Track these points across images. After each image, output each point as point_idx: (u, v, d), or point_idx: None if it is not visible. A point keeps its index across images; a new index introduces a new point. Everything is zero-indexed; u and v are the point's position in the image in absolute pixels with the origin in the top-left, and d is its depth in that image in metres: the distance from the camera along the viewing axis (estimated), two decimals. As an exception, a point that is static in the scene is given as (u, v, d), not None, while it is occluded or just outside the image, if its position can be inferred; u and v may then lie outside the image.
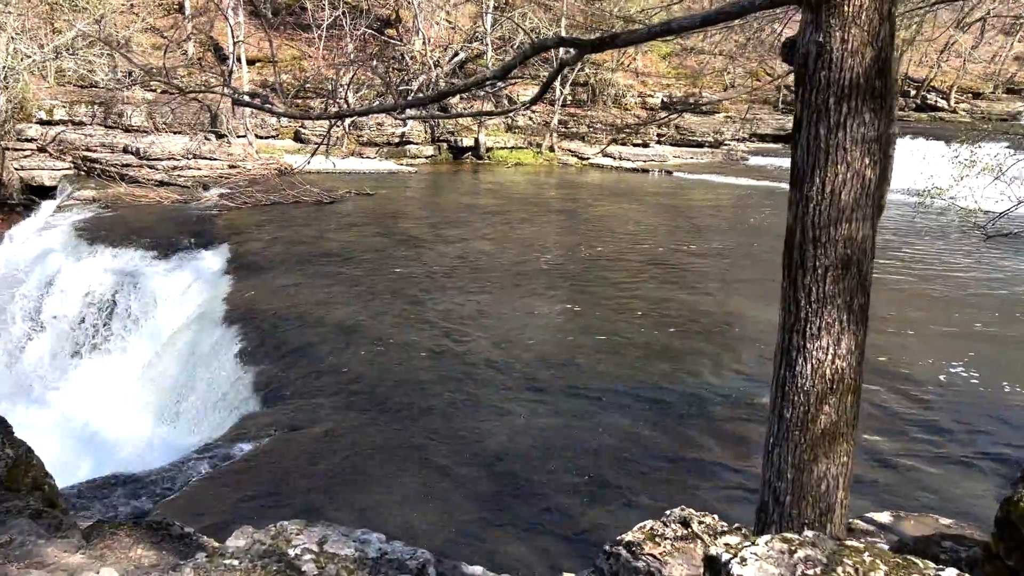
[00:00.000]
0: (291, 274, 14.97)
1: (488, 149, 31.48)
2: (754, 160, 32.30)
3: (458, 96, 32.62)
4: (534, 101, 4.57)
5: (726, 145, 34.00)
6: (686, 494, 7.30)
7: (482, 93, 32.09)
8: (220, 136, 25.40)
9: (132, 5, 25.64)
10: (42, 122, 24.26)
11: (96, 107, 25.03)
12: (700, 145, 34.02)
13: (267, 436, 8.53)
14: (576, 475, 7.86)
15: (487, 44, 31.15)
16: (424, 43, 30.78)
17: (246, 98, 7.55)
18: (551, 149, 32.49)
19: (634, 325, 12.48)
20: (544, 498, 7.43)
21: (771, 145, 34.31)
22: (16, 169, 23.17)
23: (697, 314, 13.14)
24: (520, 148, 32.15)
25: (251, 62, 27.58)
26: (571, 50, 4.06)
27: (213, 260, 15.94)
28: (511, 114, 31.24)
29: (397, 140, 30.57)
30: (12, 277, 16.63)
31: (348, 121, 28.70)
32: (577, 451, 8.32)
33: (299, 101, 28.12)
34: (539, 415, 9.17)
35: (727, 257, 17.30)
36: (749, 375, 10.44)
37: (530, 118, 32.28)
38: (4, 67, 20.80)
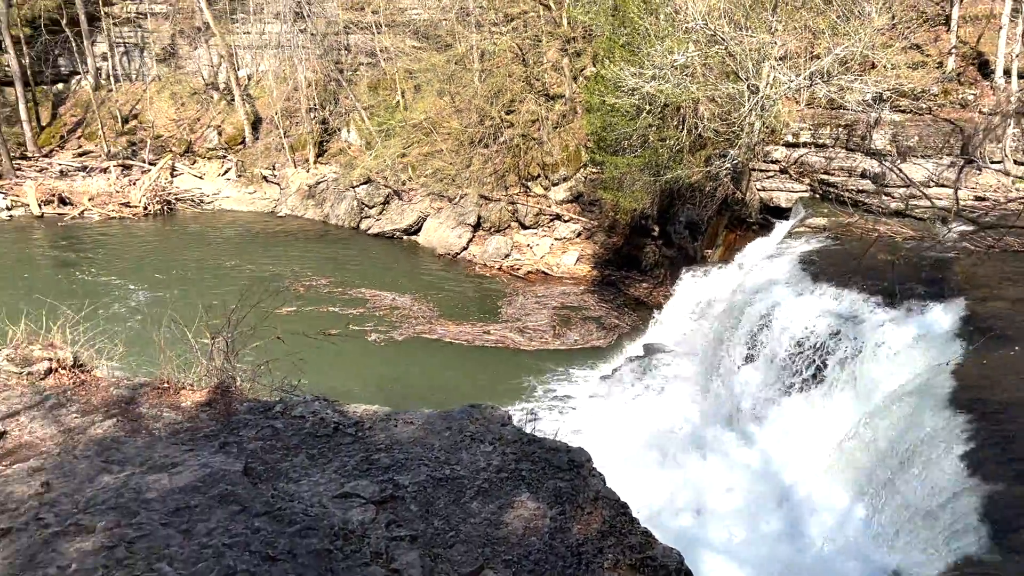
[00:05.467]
0: (1046, 353, 11.86)
1: None
2: None
3: None
4: None
5: None
6: None
7: None
8: (970, 162, 22.38)
9: (894, 24, 24.30)
10: (788, 144, 25.11)
11: (841, 128, 24.72)
12: None
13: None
14: None
15: None
16: None
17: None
18: None
19: None
20: None
21: None
22: (758, 189, 24.59)
23: None
24: None
25: (1022, 75, 23.53)
26: None
27: (943, 316, 13.75)
28: None
29: None
30: (741, 301, 17.37)
31: None
32: None
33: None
34: None
35: None
36: None
37: None
38: (762, 96, 21.96)
